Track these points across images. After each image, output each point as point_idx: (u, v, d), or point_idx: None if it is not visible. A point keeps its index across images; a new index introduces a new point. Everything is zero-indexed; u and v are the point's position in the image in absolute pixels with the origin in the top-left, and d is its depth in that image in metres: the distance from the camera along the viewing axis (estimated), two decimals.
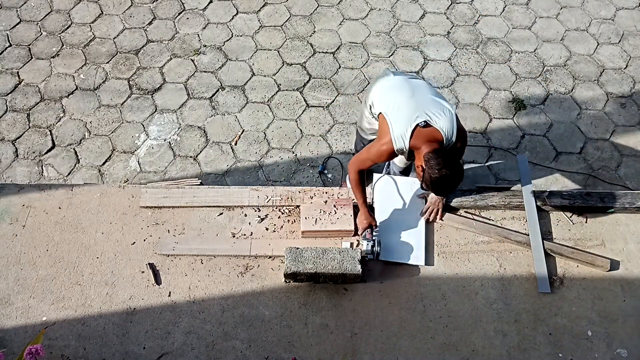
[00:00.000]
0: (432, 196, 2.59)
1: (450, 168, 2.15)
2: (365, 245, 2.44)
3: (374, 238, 2.46)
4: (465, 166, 3.52)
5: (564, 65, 4.02)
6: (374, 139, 2.56)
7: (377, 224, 2.54)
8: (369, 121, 2.67)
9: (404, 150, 2.29)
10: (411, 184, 2.71)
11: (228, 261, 2.51)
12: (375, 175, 2.73)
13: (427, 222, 2.60)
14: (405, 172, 2.93)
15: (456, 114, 2.33)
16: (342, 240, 2.56)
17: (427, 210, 2.59)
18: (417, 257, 2.50)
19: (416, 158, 2.31)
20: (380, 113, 2.39)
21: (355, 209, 2.58)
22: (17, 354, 2.25)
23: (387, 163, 2.98)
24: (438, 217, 2.59)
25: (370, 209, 2.58)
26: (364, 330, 2.36)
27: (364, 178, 2.51)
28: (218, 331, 2.35)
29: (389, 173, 2.93)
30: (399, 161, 2.84)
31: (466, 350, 2.32)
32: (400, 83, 2.45)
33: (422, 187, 2.31)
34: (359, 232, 2.52)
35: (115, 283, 2.45)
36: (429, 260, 2.51)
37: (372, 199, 2.66)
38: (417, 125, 2.24)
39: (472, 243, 2.58)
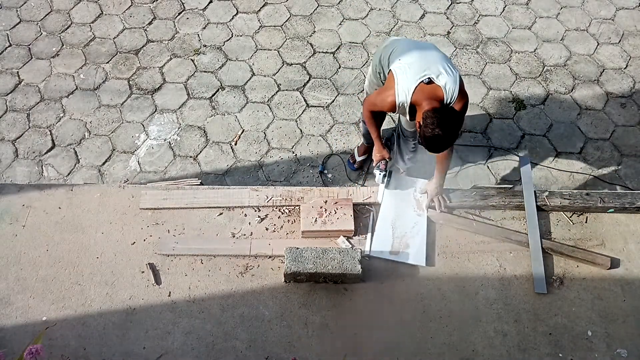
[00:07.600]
0: (431, 189, 2.63)
1: (444, 129, 2.23)
2: (378, 175, 2.65)
3: (387, 169, 2.66)
4: (465, 166, 3.52)
5: (564, 65, 4.01)
6: None
7: (390, 156, 2.70)
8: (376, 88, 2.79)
9: (405, 104, 2.39)
10: (415, 185, 2.74)
11: (228, 261, 2.51)
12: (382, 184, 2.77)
13: (438, 210, 2.63)
14: (415, 135, 2.97)
15: (461, 78, 2.43)
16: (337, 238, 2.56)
17: (430, 203, 2.63)
18: (417, 258, 2.50)
19: (417, 114, 2.40)
20: (390, 70, 2.49)
21: (355, 209, 2.60)
22: (17, 354, 2.24)
23: (396, 136, 3.09)
24: (443, 203, 2.63)
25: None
26: (364, 330, 2.36)
27: (377, 115, 2.65)
28: (218, 331, 2.35)
29: (399, 136, 3.02)
30: (407, 125, 2.89)
31: (466, 350, 2.32)
32: (410, 46, 2.56)
33: (419, 142, 2.40)
34: (374, 164, 2.66)
35: (115, 283, 2.45)
36: (429, 261, 2.51)
37: (380, 198, 2.69)
38: (422, 81, 2.34)
39: (472, 243, 2.58)
